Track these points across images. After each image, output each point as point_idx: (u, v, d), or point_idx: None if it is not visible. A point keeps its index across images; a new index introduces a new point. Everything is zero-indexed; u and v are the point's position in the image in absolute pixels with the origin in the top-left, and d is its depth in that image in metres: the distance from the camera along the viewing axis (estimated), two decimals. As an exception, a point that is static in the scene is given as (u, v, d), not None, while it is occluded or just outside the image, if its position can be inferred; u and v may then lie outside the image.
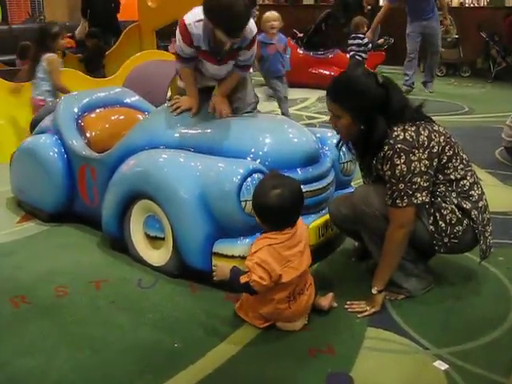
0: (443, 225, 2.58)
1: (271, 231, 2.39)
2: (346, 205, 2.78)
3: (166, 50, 8.08)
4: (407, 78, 8.22)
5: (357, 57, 7.40)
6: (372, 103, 2.53)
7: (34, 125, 4.04)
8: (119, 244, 3.18)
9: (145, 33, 6.97)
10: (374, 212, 2.61)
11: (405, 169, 2.48)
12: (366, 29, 7.67)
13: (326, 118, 6.53)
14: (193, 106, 3.14)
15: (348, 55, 7.74)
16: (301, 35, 9.31)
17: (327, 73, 8.51)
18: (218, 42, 2.91)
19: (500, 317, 2.55)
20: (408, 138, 2.50)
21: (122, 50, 6.98)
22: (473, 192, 2.63)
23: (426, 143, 2.52)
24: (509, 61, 9.36)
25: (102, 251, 3.26)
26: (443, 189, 2.60)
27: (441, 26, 8.37)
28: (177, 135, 3.09)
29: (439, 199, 2.59)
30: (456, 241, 2.61)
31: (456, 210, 2.58)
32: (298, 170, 2.90)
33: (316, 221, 2.92)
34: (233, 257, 2.67)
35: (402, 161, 2.48)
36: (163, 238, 2.93)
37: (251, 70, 4.13)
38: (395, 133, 2.51)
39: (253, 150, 2.88)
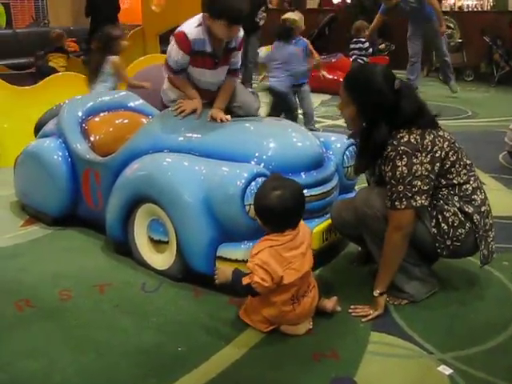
0: (445, 227, 2.58)
1: (273, 233, 2.40)
2: (348, 210, 2.78)
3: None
4: (411, 82, 8.21)
5: (359, 60, 7.41)
6: (380, 106, 2.53)
7: (38, 128, 4.05)
8: (123, 248, 3.18)
9: (148, 37, 7.00)
10: (375, 213, 2.61)
11: (405, 171, 2.48)
12: (367, 33, 7.69)
13: (330, 122, 6.56)
14: (197, 106, 3.17)
15: (350, 59, 7.75)
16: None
17: (330, 77, 8.51)
18: (216, 42, 3.06)
19: (504, 322, 2.55)
20: (412, 140, 2.50)
21: (126, 54, 6.98)
22: (475, 196, 2.63)
23: (430, 147, 2.52)
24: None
25: (106, 255, 3.26)
26: (445, 192, 2.60)
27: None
28: (181, 139, 3.09)
29: (441, 202, 2.59)
30: (458, 244, 2.61)
31: (458, 213, 2.58)
32: (302, 174, 2.90)
33: (320, 225, 2.92)
34: (237, 261, 2.67)
35: (404, 163, 2.48)
36: (167, 242, 2.94)
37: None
38: (400, 134, 2.52)
39: (257, 154, 2.88)
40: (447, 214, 2.58)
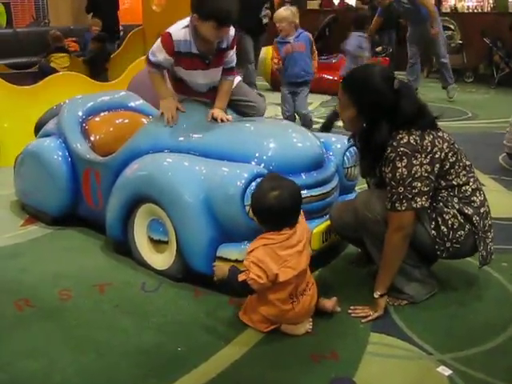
0: (445, 229, 2.58)
1: (270, 231, 2.41)
2: (348, 212, 2.78)
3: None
4: (410, 83, 8.18)
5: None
6: (380, 106, 2.53)
7: (38, 128, 4.05)
8: (123, 247, 3.18)
9: (149, 37, 6.98)
10: (375, 217, 2.61)
11: (405, 172, 2.48)
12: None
13: (330, 122, 6.55)
14: (175, 105, 3.18)
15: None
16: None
17: (330, 78, 8.53)
18: (205, 44, 3.06)
19: (503, 322, 2.55)
20: (412, 141, 2.50)
21: (126, 54, 7.01)
22: (475, 198, 2.64)
23: (430, 148, 2.52)
24: None
25: (106, 255, 3.26)
26: (445, 194, 2.61)
27: (444, 31, 8.34)
28: (181, 139, 3.09)
29: (441, 204, 2.59)
30: (458, 246, 2.61)
31: (458, 215, 2.58)
32: (302, 174, 2.90)
33: (320, 226, 2.92)
34: (237, 261, 2.67)
35: (404, 164, 2.48)
36: (167, 242, 2.94)
37: None
38: (399, 135, 2.52)
39: (257, 155, 2.88)
40: (447, 217, 2.58)
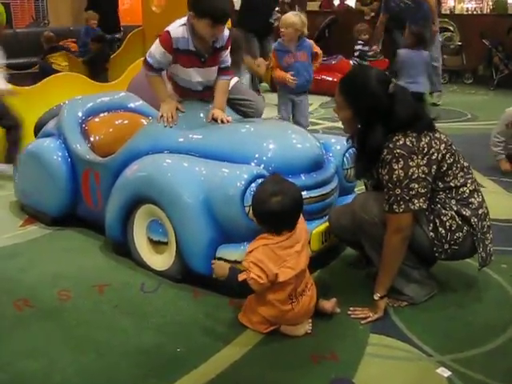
0: (443, 231, 2.58)
1: (269, 232, 2.41)
2: (346, 215, 2.78)
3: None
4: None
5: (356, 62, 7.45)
6: (375, 109, 2.54)
7: (37, 128, 4.05)
8: (122, 248, 3.18)
9: (149, 37, 6.97)
10: (373, 219, 2.61)
11: (402, 174, 2.48)
12: (367, 36, 7.70)
13: (329, 124, 6.57)
14: (174, 106, 3.19)
15: (351, 61, 7.79)
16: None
17: (330, 79, 8.53)
18: (201, 42, 3.09)
19: (503, 324, 2.55)
20: (408, 143, 2.50)
21: (126, 55, 6.99)
22: (472, 199, 2.64)
23: (426, 149, 2.52)
24: (511, 68, 9.36)
25: (105, 255, 3.26)
26: (443, 196, 2.61)
27: (444, 32, 8.25)
28: (181, 140, 3.09)
29: (439, 206, 2.60)
30: (456, 247, 2.61)
31: (456, 217, 2.58)
32: (302, 175, 2.90)
33: (319, 227, 2.92)
34: (236, 262, 2.66)
35: (400, 166, 2.48)
36: (166, 243, 2.94)
37: None
38: (395, 137, 2.52)
39: (257, 156, 2.88)
40: (444, 218, 2.58)
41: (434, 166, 2.54)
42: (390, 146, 2.51)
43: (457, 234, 2.59)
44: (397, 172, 2.49)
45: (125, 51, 7.21)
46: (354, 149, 2.99)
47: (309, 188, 2.87)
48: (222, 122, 3.12)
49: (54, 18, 12.04)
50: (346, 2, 12.79)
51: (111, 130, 3.78)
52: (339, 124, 2.75)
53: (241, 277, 2.36)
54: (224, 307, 2.69)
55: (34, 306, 2.71)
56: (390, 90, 2.54)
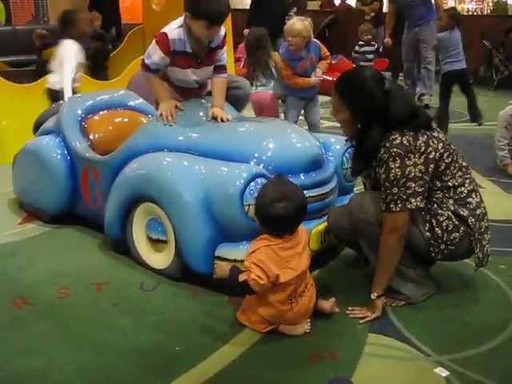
0: (439, 231, 2.58)
1: (271, 234, 2.41)
2: (344, 215, 2.78)
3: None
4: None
5: (361, 63, 7.43)
6: (372, 108, 2.54)
7: (37, 126, 4.05)
8: (121, 246, 3.18)
9: (149, 36, 6.97)
10: (369, 219, 2.61)
11: (399, 173, 2.48)
12: (369, 36, 7.68)
13: (329, 123, 6.57)
14: (174, 105, 3.19)
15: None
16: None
17: (330, 79, 8.50)
18: (197, 43, 3.11)
19: (501, 324, 2.55)
20: (405, 142, 2.50)
21: (126, 53, 6.99)
22: (470, 199, 2.64)
23: (423, 148, 2.52)
24: (511, 69, 9.36)
25: (104, 253, 3.26)
26: (440, 195, 2.61)
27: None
28: (180, 138, 3.09)
29: (436, 206, 2.60)
30: (453, 247, 2.61)
31: (452, 217, 2.58)
32: (301, 175, 2.90)
33: (318, 226, 2.92)
34: (235, 261, 2.67)
35: (397, 165, 2.48)
36: (165, 241, 2.94)
37: None
38: (392, 136, 2.52)
39: (256, 155, 2.88)
40: (441, 219, 2.58)
41: (432, 165, 2.54)
42: (387, 145, 2.51)
43: (453, 235, 2.59)
44: (394, 171, 2.49)
45: (125, 49, 7.21)
46: (353, 148, 2.99)
47: (308, 187, 2.86)
48: (222, 120, 3.13)
49: (53, 16, 12.01)
50: (347, 2, 12.80)
51: (110, 128, 3.77)
52: (339, 123, 2.75)
53: (241, 277, 2.36)
54: (223, 306, 2.69)
55: (33, 304, 2.71)
56: (386, 88, 2.55)
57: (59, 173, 3.55)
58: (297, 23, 4.70)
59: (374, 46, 7.76)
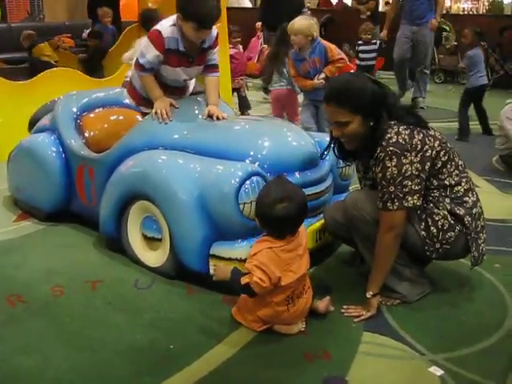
0: (435, 230, 2.58)
1: (271, 236, 2.40)
2: (339, 212, 2.78)
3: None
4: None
5: (368, 63, 7.50)
6: (374, 97, 2.53)
7: (32, 124, 4.03)
8: (116, 244, 3.17)
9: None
10: (364, 217, 2.61)
11: (395, 171, 2.48)
12: (369, 36, 7.69)
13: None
14: (168, 103, 3.20)
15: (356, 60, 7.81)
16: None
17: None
18: (190, 43, 3.12)
19: (496, 323, 2.56)
20: (401, 140, 2.50)
21: (122, 51, 6.96)
22: (467, 198, 2.64)
23: (420, 147, 2.52)
24: (507, 69, 9.38)
25: (99, 251, 3.26)
26: (437, 194, 2.61)
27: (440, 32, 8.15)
28: (176, 136, 3.09)
29: (432, 205, 2.60)
30: (448, 247, 2.61)
31: (448, 216, 2.58)
32: (297, 173, 2.90)
33: (313, 225, 2.92)
34: (230, 259, 2.67)
35: (394, 163, 2.48)
36: (160, 239, 2.93)
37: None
38: (388, 135, 2.52)
39: (252, 153, 2.88)
40: (437, 218, 2.58)
41: (428, 163, 2.54)
42: (383, 143, 2.51)
43: (448, 234, 2.59)
44: (390, 169, 2.49)
45: (121, 47, 7.18)
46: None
47: (303, 186, 2.84)
48: (218, 118, 3.13)
49: (49, 13, 12.00)
50: (344, 1, 12.80)
51: (106, 125, 3.76)
52: (345, 139, 2.66)
53: (243, 280, 2.35)
54: (218, 304, 2.68)
55: (27, 302, 2.70)
56: (372, 78, 2.62)
57: (54, 170, 3.54)
58: (297, 21, 4.58)
59: (375, 44, 7.76)
